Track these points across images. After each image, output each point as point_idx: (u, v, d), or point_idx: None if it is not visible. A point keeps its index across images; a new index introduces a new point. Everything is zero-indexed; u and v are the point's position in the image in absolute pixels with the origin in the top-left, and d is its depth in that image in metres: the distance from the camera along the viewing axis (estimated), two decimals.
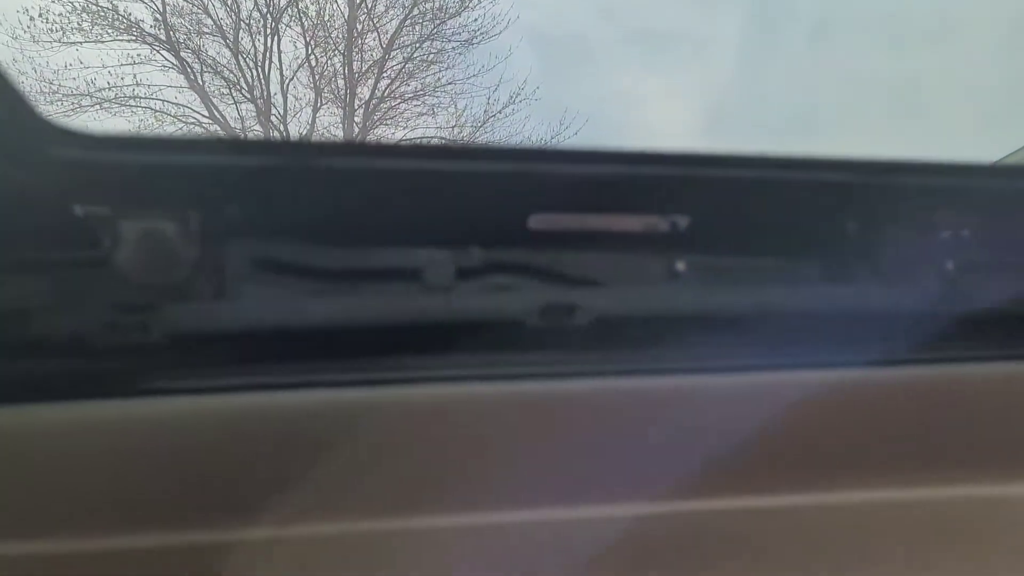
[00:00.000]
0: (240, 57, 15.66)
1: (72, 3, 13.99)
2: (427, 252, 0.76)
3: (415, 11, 15.95)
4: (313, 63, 15.94)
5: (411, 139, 15.63)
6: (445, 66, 16.21)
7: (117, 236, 0.67)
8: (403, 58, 16.24)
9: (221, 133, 14.64)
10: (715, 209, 0.79)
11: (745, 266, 0.83)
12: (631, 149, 0.74)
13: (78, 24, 14.14)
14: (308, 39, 15.84)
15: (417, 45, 16.19)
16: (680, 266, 0.81)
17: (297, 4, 15.64)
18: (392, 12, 16.11)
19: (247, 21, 15.56)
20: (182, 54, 15.26)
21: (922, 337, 0.79)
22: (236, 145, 0.67)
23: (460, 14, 15.84)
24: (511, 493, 0.73)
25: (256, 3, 15.44)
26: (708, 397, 0.73)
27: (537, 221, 0.76)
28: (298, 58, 15.99)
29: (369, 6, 15.92)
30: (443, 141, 15.58)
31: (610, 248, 0.80)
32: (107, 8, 14.30)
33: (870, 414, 0.77)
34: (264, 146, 0.67)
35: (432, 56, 16.29)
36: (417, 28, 16.16)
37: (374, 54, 16.18)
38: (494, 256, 0.78)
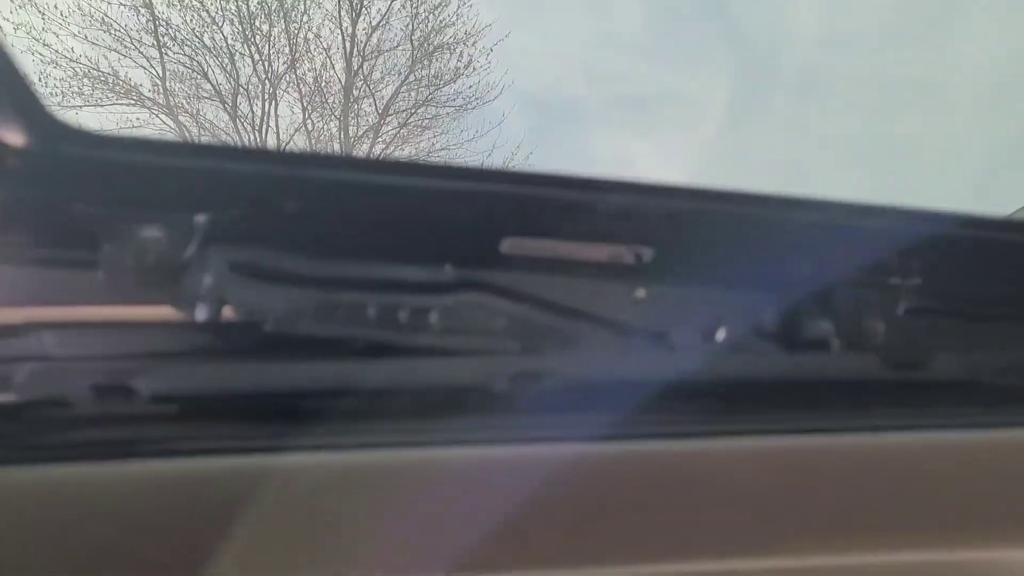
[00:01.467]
0: (238, 121, 15.90)
1: (73, 68, 14.25)
2: (403, 267, 0.80)
3: (411, 78, 16.26)
4: (310, 127, 16.18)
5: None
6: (440, 131, 16.47)
7: (113, 237, 0.70)
8: (398, 123, 16.51)
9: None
10: (681, 241, 0.83)
11: (707, 298, 0.86)
12: (603, 177, 0.78)
13: (78, 88, 14.38)
14: (305, 104, 16.12)
15: (412, 111, 16.48)
16: (640, 294, 0.85)
17: (295, 70, 15.95)
18: (388, 78, 16.42)
19: (245, 86, 15.84)
20: (180, 118, 15.49)
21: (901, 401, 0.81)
22: (219, 151, 0.71)
23: (456, 80, 16.16)
24: (485, 556, 0.73)
25: (255, 69, 15.74)
26: (675, 463, 0.74)
27: (509, 245, 0.81)
28: (295, 123, 16.25)
29: (365, 72, 16.22)
30: None
31: (576, 274, 0.84)
32: (108, 73, 14.56)
33: (862, 479, 0.77)
34: (246, 154, 0.69)
35: (427, 122, 16.57)
36: (413, 94, 16.46)
37: (370, 119, 16.45)
38: (466, 275, 0.82)
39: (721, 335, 0.89)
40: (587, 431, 0.72)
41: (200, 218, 0.75)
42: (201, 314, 0.76)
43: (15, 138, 0.64)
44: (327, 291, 0.79)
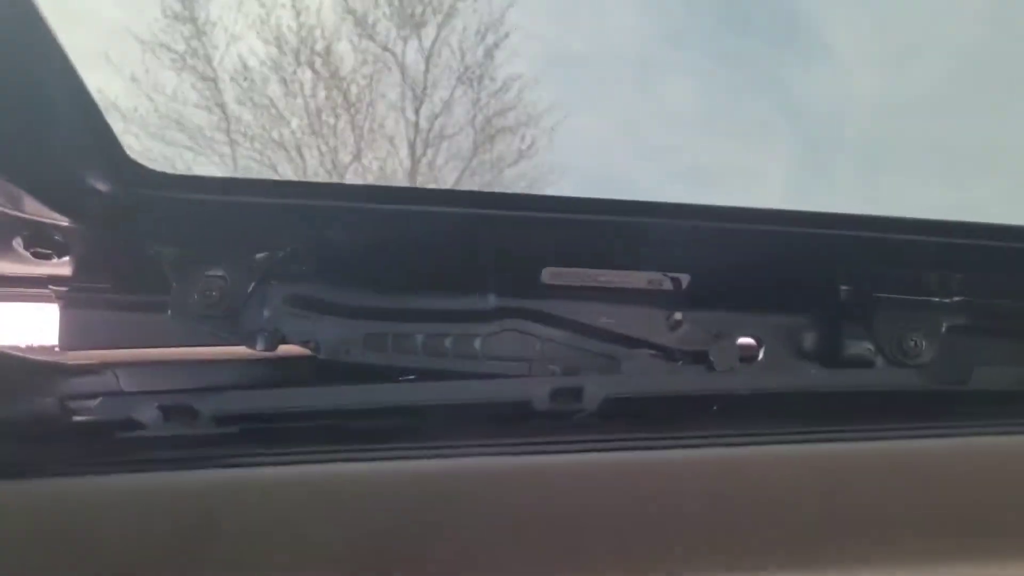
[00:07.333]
0: None
1: None
2: (448, 297, 0.84)
3: (474, 161, 16.53)
4: None
5: None
6: None
7: (181, 278, 0.77)
8: None
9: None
10: (715, 264, 0.85)
11: (741, 321, 0.88)
12: (639, 201, 0.80)
13: None
14: None
15: None
16: (678, 316, 0.88)
17: (360, 160, 16.37)
18: (452, 163, 16.71)
19: (313, 178, 16.32)
20: None
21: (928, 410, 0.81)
22: (273, 187, 0.77)
23: (518, 163, 16.37)
24: (522, 564, 0.73)
25: (321, 161, 16.21)
26: (705, 471, 0.75)
27: (550, 275, 0.84)
28: None
29: (429, 158, 16.54)
30: None
31: (616, 300, 0.87)
32: (182, 171, 15.19)
33: (886, 486, 0.76)
34: (297, 188, 0.75)
35: None
36: (476, 178, 16.70)
37: None
38: (509, 303, 0.86)
39: (760, 354, 0.90)
40: (627, 443, 0.74)
41: (259, 256, 0.81)
42: (260, 346, 0.82)
43: (100, 183, 0.71)
44: (376, 321, 0.84)
